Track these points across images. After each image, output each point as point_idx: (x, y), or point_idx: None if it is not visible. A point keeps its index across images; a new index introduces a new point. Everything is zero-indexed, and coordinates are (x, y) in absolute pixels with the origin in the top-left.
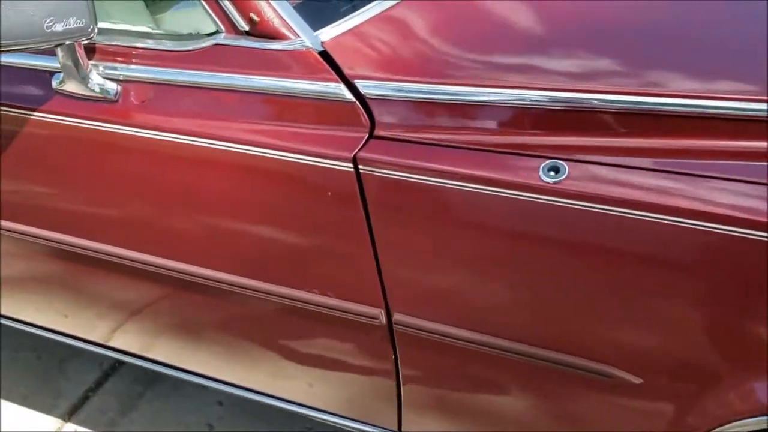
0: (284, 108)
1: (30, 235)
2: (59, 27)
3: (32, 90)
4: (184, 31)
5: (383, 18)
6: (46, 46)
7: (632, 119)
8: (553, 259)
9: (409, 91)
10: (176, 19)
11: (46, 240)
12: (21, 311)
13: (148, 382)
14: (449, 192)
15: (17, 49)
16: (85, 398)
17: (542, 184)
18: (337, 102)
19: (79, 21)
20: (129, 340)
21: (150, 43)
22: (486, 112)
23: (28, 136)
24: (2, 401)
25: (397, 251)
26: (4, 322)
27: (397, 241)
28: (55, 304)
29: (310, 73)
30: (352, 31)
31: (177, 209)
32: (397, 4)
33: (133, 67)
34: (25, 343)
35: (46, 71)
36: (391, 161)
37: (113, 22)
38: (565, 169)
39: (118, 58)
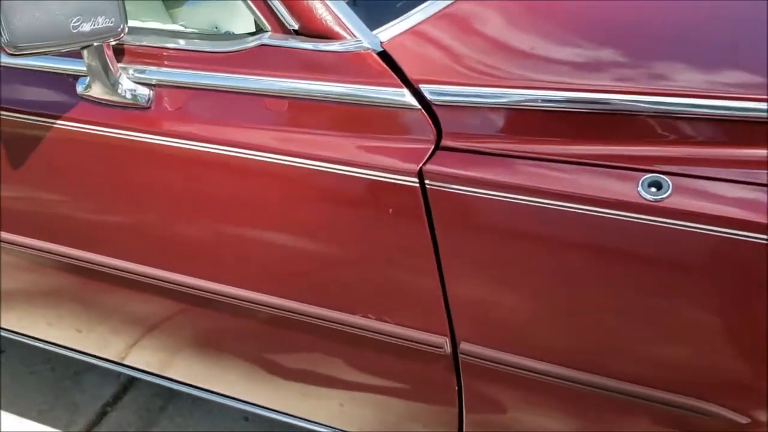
0: (340, 116)
1: (51, 252)
2: (86, 27)
3: (55, 95)
4: (205, 27)
5: (446, 14)
6: (72, 47)
7: (741, 127)
8: (651, 286)
9: (481, 96)
10: (193, 14)
11: (71, 258)
12: (32, 326)
13: (169, 395)
14: (529, 210)
15: (41, 52)
16: (103, 413)
17: (643, 201)
18: (400, 109)
19: (107, 20)
20: (146, 356)
21: (184, 44)
22: (571, 118)
23: (51, 146)
24: (19, 418)
25: (466, 275)
26: (16, 337)
27: (466, 264)
28: (66, 319)
29: (370, 77)
30: (413, 30)
31: (214, 225)
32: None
33: (166, 70)
34: (38, 354)
35: (69, 75)
36: (461, 175)
37: (142, 20)
38: (669, 184)
39: (150, 60)
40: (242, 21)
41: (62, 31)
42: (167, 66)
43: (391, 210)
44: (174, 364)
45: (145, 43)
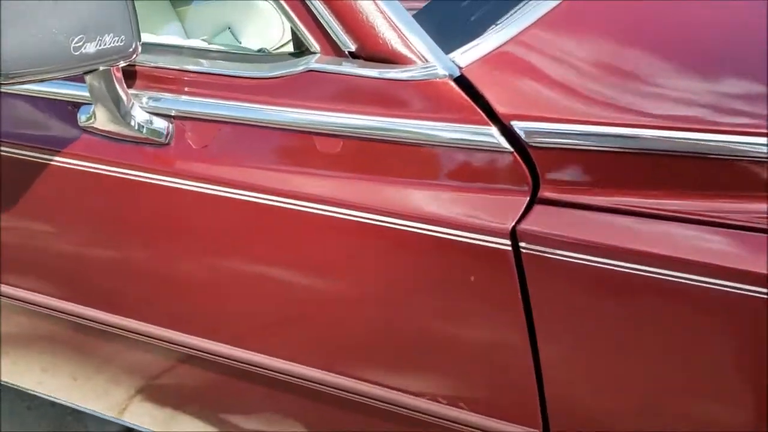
0: (409, 159)
1: (48, 307)
2: (91, 48)
3: (51, 126)
4: (215, 27)
5: (535, 35)
6: (74, 72)
7: None
8: None
9: (589, 136)
10: (201, 14)
11: (71, 314)
12: (27, 372)
13: None
14: (653, 283)
15: (36, 79)
16: None
17: None
18: (487, 152)
19: (116, 38)
20: (148, 410)
21: (211, 66)
22: (704, 166)
23: (46, 186)
24: None
25: (567, 358)
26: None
27: (568, 346)
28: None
29: (447, 112)
30: (498, 52)
31: (248, 287)
32: (552, 11)
33: (189, 98)
34: None
35: (68, 102)
36: (566, 237)
37: (157, 34)
38: None
39: (168, 86)
40: (256, 22)
41: (62, 53)
42: (190, 93)
43: (473, 278)
44: (179, 421)
45: (161, 65)
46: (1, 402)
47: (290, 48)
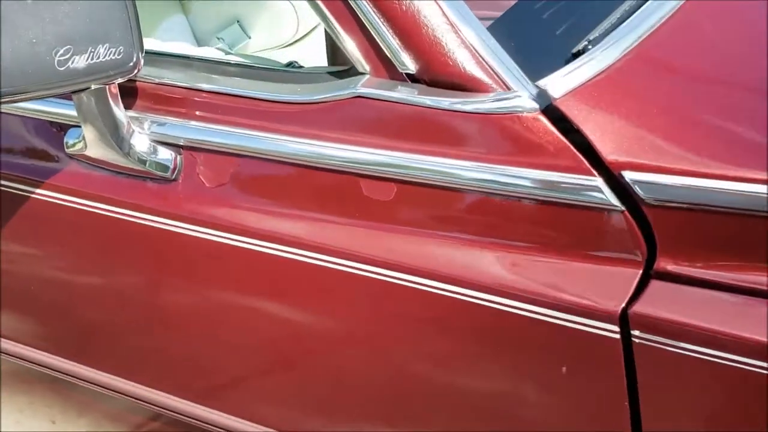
0: (485, 214)
1: (21, 358)
2: (80, 62)
3: (31, 151)
4: (223, 22)
5: (646, 56)
6: (59, 92)
7: None
8: None
9: (725, 194)
10: (207, 7)
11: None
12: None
13: None
14: None
15: (12, 101)
16: None
17: None
18: (589, 209)
19: (113, 50)
20: None
21: (229, 85)
22: None
23: (22, 223)
24: None
25: None
26: None
27: None
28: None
29: (539, 155)
30: (597, 82)
31: (274, 360)
32: (667, 23)
33: (201, 125)
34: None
35: (52, 123)
36: (691, 326)
37: (158, 30)
38: None
39: (176, 108)
40: (267, 16)
41: (43, 68)
42: (203, 118)
43: (564, 369)
44: None
45: (168, 81)
46: None
47: (315, 56)
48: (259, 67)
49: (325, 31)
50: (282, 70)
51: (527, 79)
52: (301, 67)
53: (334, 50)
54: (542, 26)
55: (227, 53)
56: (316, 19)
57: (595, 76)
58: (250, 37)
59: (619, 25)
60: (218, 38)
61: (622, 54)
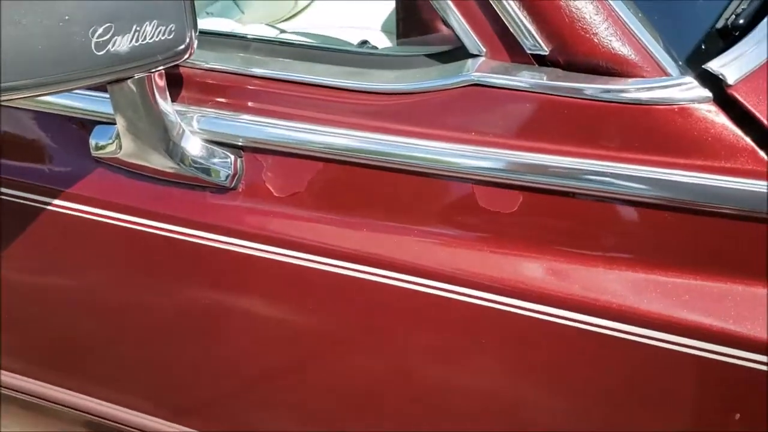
0: (650, 227)
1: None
2: (122, 44)
3: (48, 154)
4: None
5: None
6: (98, 81)
7: None
8: None
9: None
10: None
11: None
12: None
13: None
14: None
15: (42, 93)
16: None
17: None
18: None
19: (162, 29)
20: None
21: (303, 71)
22: None
23: (33, 240)
24: None
25: None
26: None
27: None
28: None
29: (715, 158)
30: None
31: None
32: None
33: (267, 121)
34: None
35: (74, 119)
36: None
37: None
38: None
39: (234, 101)
40: None
41: (79, 53)
42: (269, 112)
43: (738, 416)
44: None
45: (225, 67)
46: None
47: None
48: (333, 49)
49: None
50: (363, 53)
51: (683, 63)
52: (375, 47)
53: (412, 24)
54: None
55: (282, 31)
56: None
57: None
58: (243, 12)
59: None
60: (207, 13)
61: None
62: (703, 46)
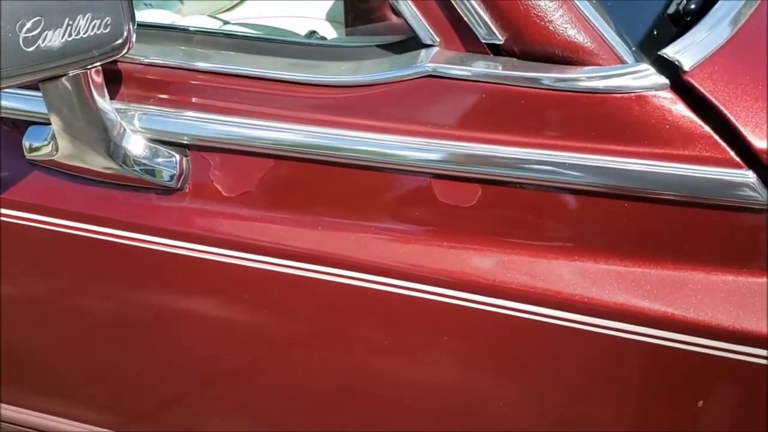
0: (607, 217)
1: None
2: (54, 39)
3: None
4: None
5: None
6: (27, 79)
7: None
8: None
9: None
10: None
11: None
12: None
13: None
14: None
15: None
16: None
17: None
18: (740, 210)
19: (96, 22)
20: None
21: (248, 64)
22: None
23: None
24: None
25: None
26: None
27: None
28: None
29: (673, 145)
30: (727, 50)
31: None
32: None
33: (213, 117)
34: None
35: (7, 120)
36: None
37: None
38: None
39: (178, 97)
40: None
41: (5, 48)
42: (215, 108)
43: (700, 403)
44: None
45: (166, 61)
46: None
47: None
48: (280, 40)
49: None
50: (311, 44)
51: (636, 49)
52: (324, 38)
53: (360, 12)
54: None
55: (225, 23)
56: None
57: (726, 42)
58: (182, 3)
59: None
60: (145, 4)
61: (755, 8)
62: (655, 32)
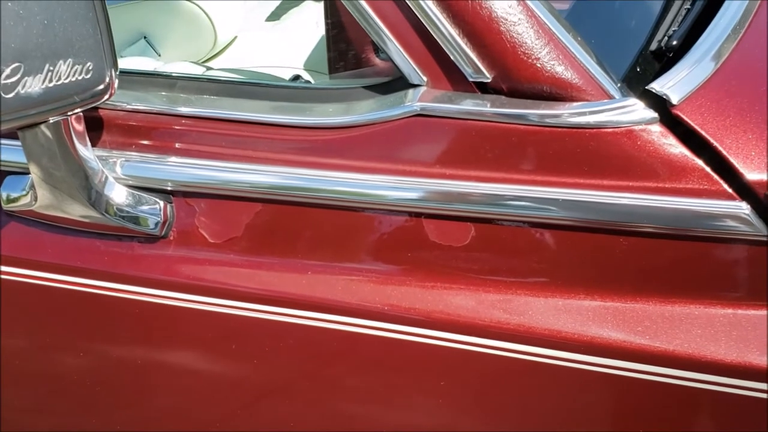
0: (600, 253)
1: None
2: (34, 85)
3: None
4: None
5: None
6: (6, 127)
7: None
8: None
9: None
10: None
11: None
12: None
13: None
14: None
15: None
16: None
17: None
18: (733, 242)
19: (78, 67)
20: None
21: (233, 108)
22: None
23: None
24: None
25: None
26: None
27: None
28: None
29: (664, 179)
30: (714, 84)
31: None
32: None
33: (197, 162)
34: None
35: None
36: None
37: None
38: None
39: (161, 143)
40: (178, 28)
41: None
42: (199, 153)
43: None
44: None
45: (149, 107)
46: None
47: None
48: (266, 84)
49: (327, 31)
50: (297, 87)
51: (623, 85)
52: (309, 82)
53: (343, 58)
54: (598, 25)
55: (208, 69)
56: (234, 29)
57: (711, 76)
58: (160, 55)
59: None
60: (121, 56)
61: (736, 43)
62: (638, 68)
